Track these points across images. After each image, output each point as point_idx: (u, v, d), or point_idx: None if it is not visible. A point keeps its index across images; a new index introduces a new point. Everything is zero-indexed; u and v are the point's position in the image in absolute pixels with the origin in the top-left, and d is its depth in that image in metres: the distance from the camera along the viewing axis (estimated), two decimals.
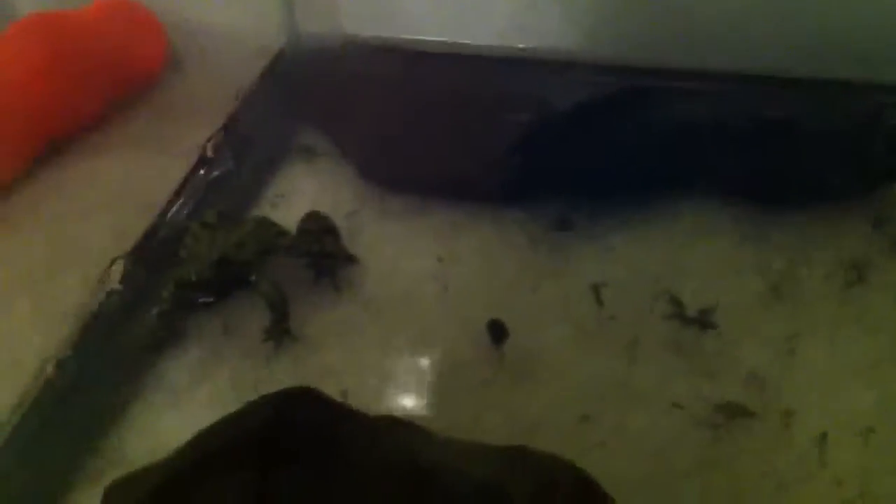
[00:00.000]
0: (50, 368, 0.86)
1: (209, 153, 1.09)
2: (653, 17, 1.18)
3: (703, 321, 0.93)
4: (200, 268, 0.93)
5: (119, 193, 1.13)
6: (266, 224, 1.00)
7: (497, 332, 0.92)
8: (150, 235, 0.99)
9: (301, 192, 1.13)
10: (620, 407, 0.88)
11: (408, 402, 0.89)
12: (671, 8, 1.16)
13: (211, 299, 0.97)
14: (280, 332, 0.95)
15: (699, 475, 0.81)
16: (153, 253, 0.99)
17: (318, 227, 1.01)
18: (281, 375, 0.92)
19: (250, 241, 0.96)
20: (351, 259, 1.01)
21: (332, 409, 0.77)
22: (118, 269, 0.95)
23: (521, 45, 1.22)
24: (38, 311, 0.99)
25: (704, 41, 1.16)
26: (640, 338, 0.93)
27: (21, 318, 0.99)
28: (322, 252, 0.99)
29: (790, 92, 1.14)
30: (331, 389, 0.86)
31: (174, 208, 1.04)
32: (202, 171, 1.07)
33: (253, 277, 0.96)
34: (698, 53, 1.16)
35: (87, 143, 1.20)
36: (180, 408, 0.90)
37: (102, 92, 1.21)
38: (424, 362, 0.93)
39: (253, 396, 0.82)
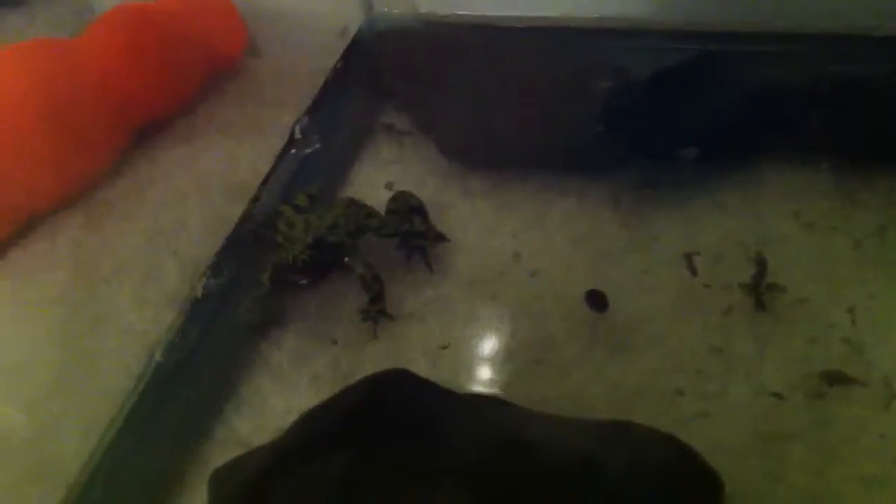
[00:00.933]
0: (159, 353, 0.88)
1: (297, 135, 1.09)
2: None
3: (789, 288, 0.93)
4: (297, 251, 0.94)
5: (211, 178, 1.15)
6: (356, 205, 1.01)
7: (597, 301, 0.92)
8: (244, 220, 1.00)
9: (386, 172, 1.13)
10: (719, 376, 0.87)
11: (505, 378, 0.90)
12: None
13: (307, 281, 0.98)
14: (376, 311, 0.96)
15: (802, 443, 0.81)
16: (249, 237, 1.01)
17: (407, 207, 1.02)
18: (378, 355, 0.94)
19: (342, 223, 0.97)
20: (440, 237, 1.02)
21: (427, 390, 0.79)
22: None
23: (595, 15, 1.22)
24: (141, 296, 1.02)
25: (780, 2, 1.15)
26: (735, 305, 0.92)
27: (126, 304, 1.01)
28: (412, 231, 1.00)
29: (873, 50, 1.12)
30: (426, 368, 0.89)
31: (265, 192, 1.05)
32: (292, 152, 1.08)
33: (346, 259, 0.97)
34: (775, 14, 1.14)
35: (176, 131, 1.22)
36: (284, 389, 0.92)
37: (187, 79, 1.23)
38: (520, 337, 0.93)
39: (351, 377, 0.85)
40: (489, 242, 1.04)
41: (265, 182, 1.05)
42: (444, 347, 0.94)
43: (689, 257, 0.98)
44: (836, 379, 0.85)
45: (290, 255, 0.95)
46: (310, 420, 0.78)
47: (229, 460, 0.79)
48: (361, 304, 0.97)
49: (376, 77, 1.21)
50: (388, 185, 1.11)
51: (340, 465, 0.72)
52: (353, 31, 1.26)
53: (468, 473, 0.72)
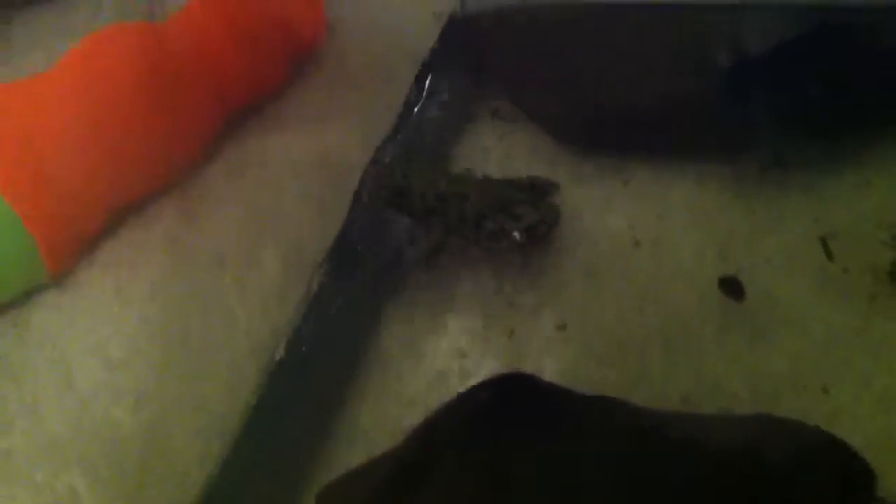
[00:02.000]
0: (281, 350, 0.84)
1: (399, 120, 1.05)
2: None
3: None
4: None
5: (305, 164, 1.11)
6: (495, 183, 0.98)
7: (733, 288, 0.88)
8: (356, 206, 0.96)
9: (491, 159, 1.09)
10: (866, 367, 0.83)
11: (637, 370, 0.86)
12: None
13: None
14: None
15: None
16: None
17: (534, 192, 0.97)
18: (500, 348, 0.90)
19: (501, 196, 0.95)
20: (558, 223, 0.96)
21: (550, 393, 0.76)
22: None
23: None
24: (243, 287, 0.99)
25: None
26: (879, 292, 0.88)
27: (228, 296, 0.98)
28: (540, 218, 0.95)
29: None
30: (550, 362, 0.85)
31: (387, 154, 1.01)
32: (398, 136, 1.03)
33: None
34: None
35: (266, 117, 1.18)
36: (402, 382, 0.88)
37: (277, 62, 1.19)
38: (650, 326, 0.89)
39: (475, 371, 0.81)
40: (607, 228, 0.99)
41: (370, 167, 1.00)
42: (568, 339, 0.89)
43: (824, 241, 0.93)
44: None
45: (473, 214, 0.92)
46: (431, 427, 0.74)
47: (337, 478, 0.75)
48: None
49: (474, 61, 1.16)
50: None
51: (469, 484, 0.68)
52: (446, 12, 1.21)
53: (619, 484, 0.68)
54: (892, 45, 1.02)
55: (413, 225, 0.98)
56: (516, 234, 0.91)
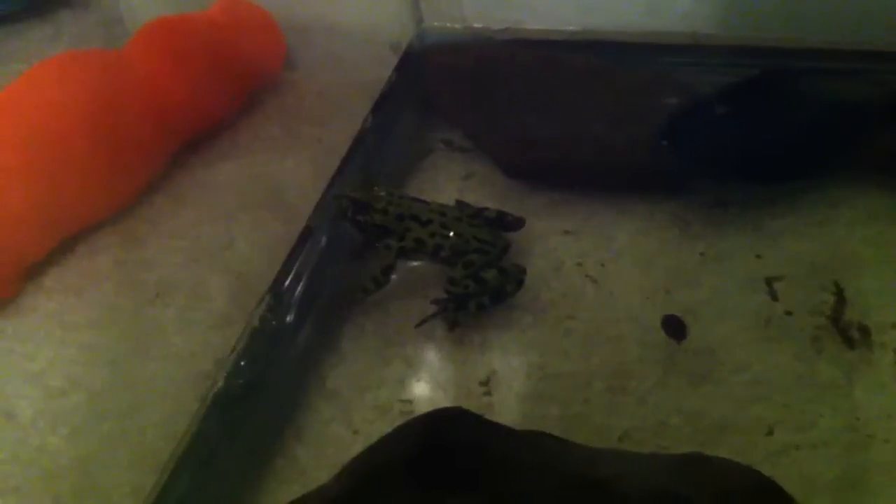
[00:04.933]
0: (220, 382, 0.83)
1: (355, 152, 1.05)
2: None
3: (864, 327, 0.89)
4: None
5: (256, 194, 1.11)
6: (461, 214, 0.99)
7: (675, 328, 0.88)
8: (304, 236, 0.96)
9: (441, 189, 1.09)
10: (809, 408, 0.83)
11: (578, 408, 0.86)
12: None
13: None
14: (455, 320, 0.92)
15: None
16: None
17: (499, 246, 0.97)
18: (441, 380, 0.90)
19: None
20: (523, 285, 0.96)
21: (486, 429, 0.74)
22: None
23: (654, 30, 1.18)
24: (188, 318, 0.97)
25: (842, 19, 1.12)
26: (821, 335, 0.88)
27: (172, 326, 0.97)
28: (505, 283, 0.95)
29: None
30: (492, 398, 0.86)
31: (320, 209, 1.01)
32: (354, 165, 1.04)
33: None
34: (845, 31, 1.11)
35: (218, 146, 1.18)
36: (345, 415, 0.87)
37: (230, 93, 1.19)
38: (593, 364, 0.89)
39: (416, 404, 0.83)
40: (555, 265, 0.99)
41: (321, 199, 0.99)
42: (510, 374, 0.89)
43: (770, 282, 0.93)
44: None
45: (431, 244, 0.94)
46: (365, 463, 0.73)
47: None
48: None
49: (428, 92, 1.17)
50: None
51: None
52: (403, 45, 1.22)
53: None
54: (832, 92, 1.04)
55: (363, 249, 0.98)
56: (485, 300, 0.92)
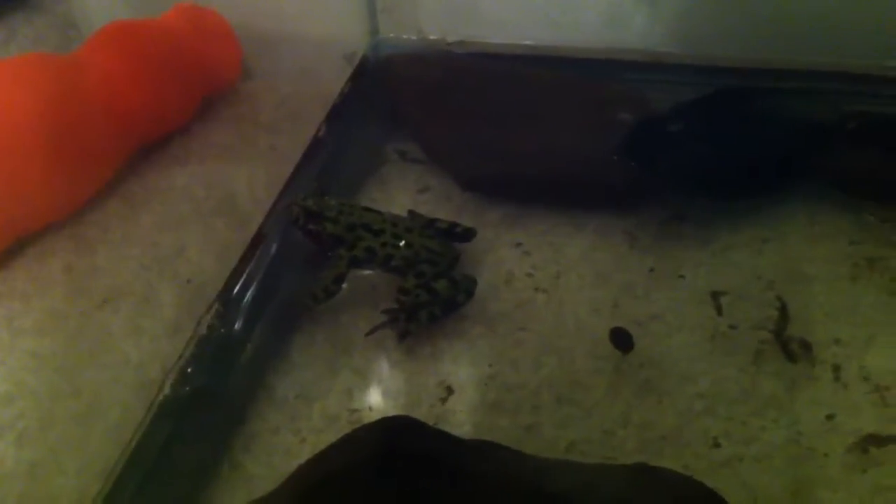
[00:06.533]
0: (166, 389, 0.83)
1: (307, 158, 1.05)
2: (743, 16, 1.15)
3: (806, 343, 0.90)
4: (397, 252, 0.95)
5: (208, 201, 1.11)
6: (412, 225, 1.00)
7: (622, 340, 0.89)
8: (255, 242, 0.96)
9: (395, 201, 1.10)
10: (751, 421, 0.84)
11: (527, 419, 0.86)
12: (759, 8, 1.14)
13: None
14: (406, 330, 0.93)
15: (837, 492, 0.78)
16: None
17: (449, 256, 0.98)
18: (391, 390, 0.91)
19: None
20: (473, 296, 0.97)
21: (436, 438, 0.75)
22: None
23: (613, 46, 1.20)
24: (136, 324, 0.97)
25: (798, 39, 1.14)
26: (764, 349, 0.90)
27: (121, 333, 0.96)
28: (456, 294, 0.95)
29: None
30: (441, 407, 0.86)
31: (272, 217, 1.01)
32: (307, 173, 1.05)
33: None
34: (801, 51, 1.13)
35: (170, 152, 1.18)
36: (293, 423, 0.87)
37: (184, 98, 1.19)
38: (542, 375, 0.90)
39: (364, 412, 0.83)
40: (507, 277, 1.00)
41: (273, 207, 0.99)
42: (461, 384, 0.90)
43: (716, 296, 0.95)
44: (873, 440, 0.82)
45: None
46: (312, 470, 0.73)
47: None
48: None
49: (387, 102, 1.17)
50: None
51: None
52: (357, 55, 1.22)
53: None
54: (788, 110, 1.05)
55: (314, 257, 0.98)
56: (436, 310, 0.93)
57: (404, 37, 1.25)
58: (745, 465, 0.81)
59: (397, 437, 0.74)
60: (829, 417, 0.84)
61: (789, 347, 0.89)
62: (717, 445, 0.82)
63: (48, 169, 1.02)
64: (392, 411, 0.87)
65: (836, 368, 0.88)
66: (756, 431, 0.83)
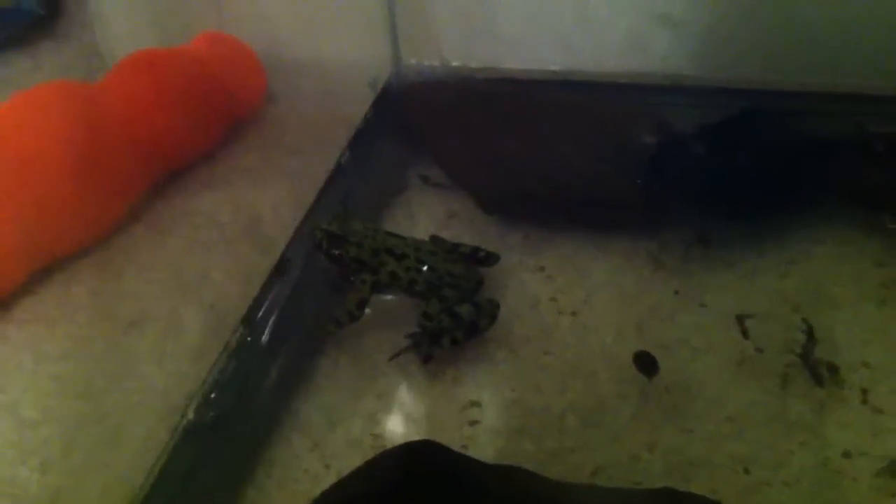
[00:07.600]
0: (190, 414, 0.83)
1: (332, 185, 1.06)
2: (761, 40, 1.15)
3: (833, 366, 0.89)
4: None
5: (233, 226, 1.12)
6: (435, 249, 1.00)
7: (646, 364, 0.88)
8: (278, 271, 0.97)
9: (417, 225, 1.10)
10: (780, 445, 0.83)
11: (552, 443, 0.85)
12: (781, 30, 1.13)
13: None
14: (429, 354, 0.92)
15: None
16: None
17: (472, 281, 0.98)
18: (416, 415, 0.91)
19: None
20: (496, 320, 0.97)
21: (460, 462, 0.75)
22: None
23: (634, 70, 1.19)
24: (161, 349, 0.97)
25: (818, 62, 1.13)
26: (791, 373, 0.89)
27: (146, 358, 0.96)
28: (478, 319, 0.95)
29: None
30: (466, 432, 0.86)
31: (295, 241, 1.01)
32: (331, 198, 1.05)
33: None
34: (824, 72, 1.12)
35: (196, 178, 1.18)
36: (317, 448, 0.87)
37: (210, 125, 1.20)
38: (567, 400, 0.89)
39: (388, 437, 0.83)
40: (531, 300, 1.00)
41: (297, 230, 1.00)
42: (485, 409, 0.90)
43: (741, 320, 0.94)
44: None
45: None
46: (336, 495, 0.73)
47: None
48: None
49: (409, 128, 1.18)
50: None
51: None
52: (381, 82, 1.23)
53: None
54: (810, 132, 1.05)
55: (338, 281, 0.98)
56: (459, 335, 0.93)
57: (426, 63, 1.26)
58: (774, 490, 0.80)
59: (420, 462, 0.73)
60: (858, 441, 0.82)
61: (817, 370, 0.88)
62: (746, 471, 0.81)
63: (75, 195, 1.03)
64: (415, 436, 0.86)
65: (864, 391, 0.87)
66: (784, 455, 0.82)
